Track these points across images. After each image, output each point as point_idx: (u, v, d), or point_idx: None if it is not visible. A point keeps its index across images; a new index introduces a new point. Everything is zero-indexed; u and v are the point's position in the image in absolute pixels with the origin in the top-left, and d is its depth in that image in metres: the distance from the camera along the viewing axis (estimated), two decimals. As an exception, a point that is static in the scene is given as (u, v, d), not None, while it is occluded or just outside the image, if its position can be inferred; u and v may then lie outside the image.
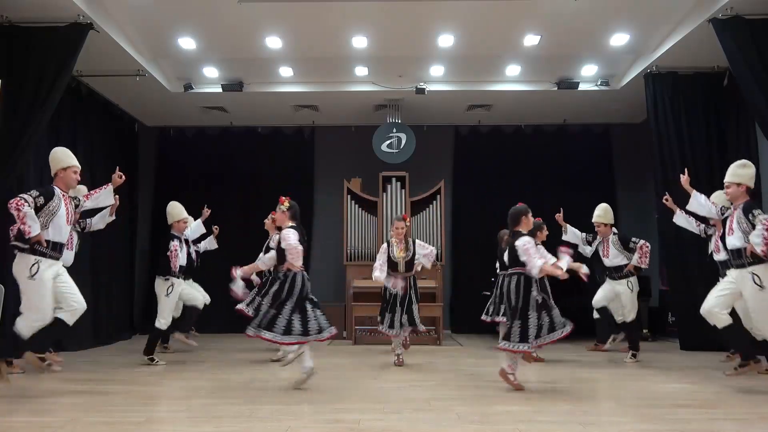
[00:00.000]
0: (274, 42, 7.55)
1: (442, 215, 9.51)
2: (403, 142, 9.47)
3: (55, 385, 4.85)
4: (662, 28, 7.20)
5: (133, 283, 9.49)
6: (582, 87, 8.76)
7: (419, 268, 6.43)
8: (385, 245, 6.37)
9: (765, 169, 7.36)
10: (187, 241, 6.78)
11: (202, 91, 8.94)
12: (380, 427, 3.62)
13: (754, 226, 4.63)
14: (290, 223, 4.93)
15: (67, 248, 5.44)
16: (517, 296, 4.78)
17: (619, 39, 7.53)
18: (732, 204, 4.98)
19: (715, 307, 4.91)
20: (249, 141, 10.42)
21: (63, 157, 4.82)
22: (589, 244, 7.06)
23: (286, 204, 4.98)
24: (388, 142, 9.50)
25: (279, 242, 4.85)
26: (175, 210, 6.57)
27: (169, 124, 10.43)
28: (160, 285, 6.33)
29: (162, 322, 6.24)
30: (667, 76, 7.67)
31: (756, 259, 4.64)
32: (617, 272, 6.64)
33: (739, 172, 4.88)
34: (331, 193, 10.15)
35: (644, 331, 8.52)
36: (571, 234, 7.12)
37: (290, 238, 4.72)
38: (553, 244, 5.63)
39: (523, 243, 4.69)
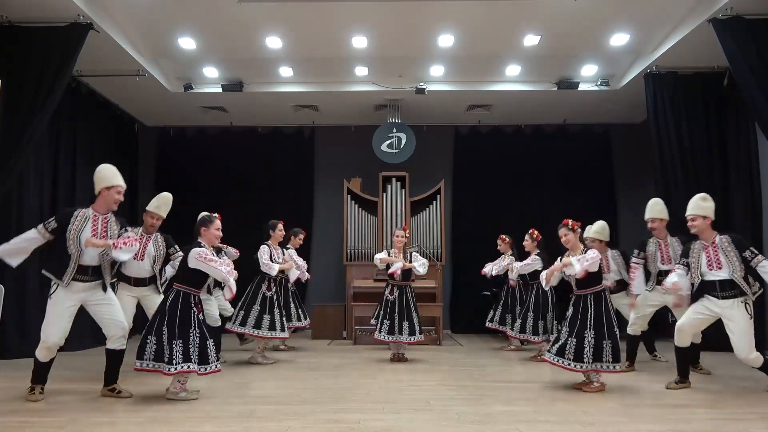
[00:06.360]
0: (274, 42, 7.55)
1: (442, 215, 9.51)
2: (403, 142, 9.48)
3: (56, 385, 4.85)
4: (662, 28, 7.20)
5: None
6: (582, 87, 8.77)
7: (416, 273, 6.59)
8: (385, 252, 6.70)
9: (765, 168, 7.37)
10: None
11: (202, 91, 8.95)
12: (380, 427, 3.62)
13: (745, 259, 4.70)
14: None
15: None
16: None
17: (619, 39, 7.53)
18: (699, 237, 4.95)
19: (686, 324, 4.98)
20: (249, 141, 10.42)
21: (109, 176, 4.51)
22: None
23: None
24: (388, 142, 9.51)
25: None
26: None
27: (169, 124, 10.44)
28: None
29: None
30: (667, 76, 7.67)
31: (742, 290, 4.72)
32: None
33: (704, 205, 4.92)
34: (331, 193, 10.16)
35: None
36: None
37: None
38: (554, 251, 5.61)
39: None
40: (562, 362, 4.83)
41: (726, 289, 4.77)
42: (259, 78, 8.78)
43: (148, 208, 5.51)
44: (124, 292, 5.32)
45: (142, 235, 5.44)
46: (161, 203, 5.51)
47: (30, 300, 6.82)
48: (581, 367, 4.76)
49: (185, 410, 4.10)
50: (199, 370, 4.35)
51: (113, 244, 4.35)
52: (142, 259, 5.37)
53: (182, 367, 4.27)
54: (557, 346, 4.92)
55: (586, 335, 4.77)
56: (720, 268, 4.79)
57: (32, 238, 4.38)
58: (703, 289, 4.90)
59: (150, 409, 4.10)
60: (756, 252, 4.73)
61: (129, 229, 4.71)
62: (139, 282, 5.43)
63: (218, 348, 6.49)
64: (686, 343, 5.00)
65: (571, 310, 5.00)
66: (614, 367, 4.75)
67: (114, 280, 5.03)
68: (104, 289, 4.57)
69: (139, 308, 5.64)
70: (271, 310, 6.35)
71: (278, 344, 7.45)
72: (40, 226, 4.39)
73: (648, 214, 5.96)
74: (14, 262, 4.44)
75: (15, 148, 5.96)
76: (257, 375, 5.65)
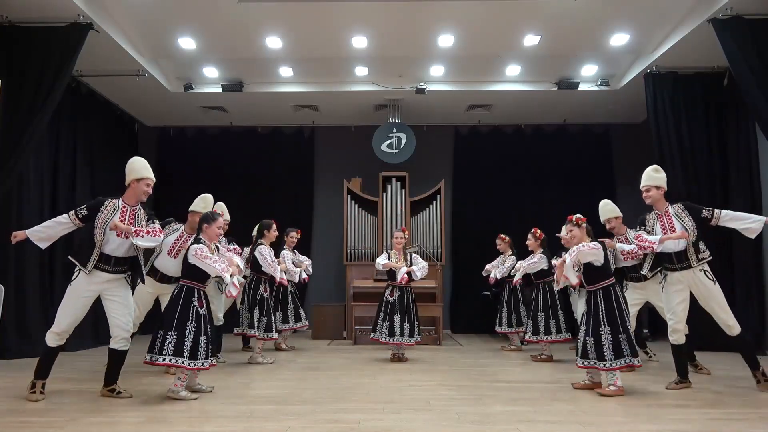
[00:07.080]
0: (274, 42, 7.55)
1: (442, 215, 9.52)
2: (403, 142, 9.48)
3: (56, 385, 4.85)
4: (662, 28, 7.20)
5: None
6: (582, 87, 8.77)
7: (414, 278, 6.60)
8: (385, 254, 6.70)
9: (765, 168, 7.37)
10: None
11: (202, 91, 8.96)
12: (380, 427, 3.62)
13: (705, 219, 4.80)
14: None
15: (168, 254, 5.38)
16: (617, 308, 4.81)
17: (619, 39, 7.53)
18: (654, 209, 5.02)
19: (680, 322, 4.94)
20: (249, 141, 10.44)
21: (140, 168, 4.56)
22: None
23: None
24: (388, 142, 9.51)
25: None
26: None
27: (169, 124, 10.45)
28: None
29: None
30: (667, 76, 7.67)
31: (702, 257, 4.81)
32: None
33: (657, 176, 5.04)
34: (331, 193, 10.17)
35: (644, 330, 8.52)
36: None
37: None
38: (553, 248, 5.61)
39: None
40: (587, 363, 4.75)
41: (682, 261, 4.85)
42: (259, 78, 8.78)
43: (194, 208, 5.48)
44: (145, 286, 5.28)
45: (182, 233, 5.45)
46: (207, 204, 5.52)
47: (30, 300, 6.83)
48: (605, 365, 4.66)
49: (185, 410, 4.10)
50: (189, 365, 4.33)
51: (135, 231, 4.40)
52: (175, 257, 5.36)
53: (171, 360, 4.27)
54: (579, 348, 4.84)
55: (602, 332, 4.69)
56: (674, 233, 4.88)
57: (63, 223, 4.47)
58: (660, 263, 5.00)
59: (150, 409, 4.10)
60: (711, 208, 4.86)
61: (156, 221, 4.72)
62: (164, 278, 5.45)
63: (218, 347, 6.51)
64: (683, 339, 4.99)
65: (585, 308, 4.95)
66: (635, 360, 4.67)
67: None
68: (132, 285, 4.65)
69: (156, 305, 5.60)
70: (267, 311, 6.31)
71: (278, 344, 7.45)
72: (71, 212, 4.48)
73: (602, 216, 6.05)
74: (43, 244, 4.53)
75: (15, 148, 5.96)
76: (257, 375, 5.65)
